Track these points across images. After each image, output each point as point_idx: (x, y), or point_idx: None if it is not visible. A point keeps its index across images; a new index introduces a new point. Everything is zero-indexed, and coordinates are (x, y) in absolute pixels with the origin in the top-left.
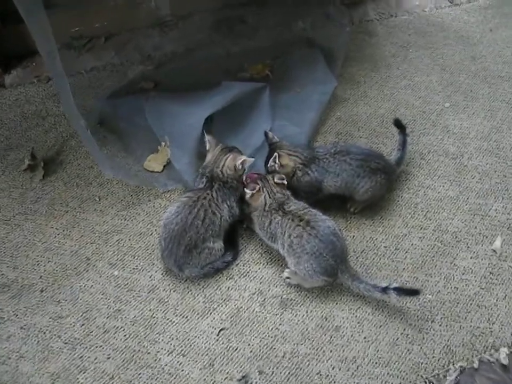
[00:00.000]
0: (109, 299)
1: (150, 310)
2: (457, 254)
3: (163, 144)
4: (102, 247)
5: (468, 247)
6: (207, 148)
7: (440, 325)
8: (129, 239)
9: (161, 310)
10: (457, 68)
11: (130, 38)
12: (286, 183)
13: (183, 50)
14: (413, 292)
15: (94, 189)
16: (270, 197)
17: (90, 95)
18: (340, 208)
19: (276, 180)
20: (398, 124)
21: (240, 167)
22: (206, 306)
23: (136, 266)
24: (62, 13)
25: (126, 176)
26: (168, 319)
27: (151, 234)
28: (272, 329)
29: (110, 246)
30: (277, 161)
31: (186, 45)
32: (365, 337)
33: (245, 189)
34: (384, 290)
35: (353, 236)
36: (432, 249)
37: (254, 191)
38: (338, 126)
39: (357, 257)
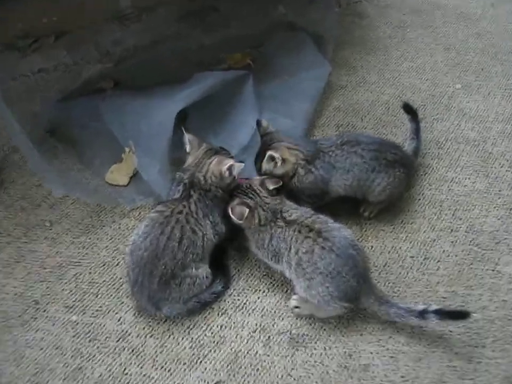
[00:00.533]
0: (65, 354)
1: (121, 364)
2: (498, 259)
3: (127, 151)
4: (54, 286)
5: (510, 248)
6: (188, 150)
7: (493, 351)
8: (90, 273)
9: (135, 363)
10: (462, 46)
11: (85, 34)
12: (280, 183)
13: (147, 43)
14: (461, 315)
15: (44, 212)
16: (263, 210)
17: (37, 100)
18: (351, 213)
19: (270, 187)
20: (408, 109)
21: (226, 173)
22: (194, 354)
23: (100, 307)
24: (3, 8)
25: (83, 193)
26: (145, 374)
27: (117, 264)
28: (282, 376)
29: (66, 283)
30: (277, 156)
31: (151, 38)
32: (402, 376)
33: (231, 214)
34: (422, 314)
35: (372, 247)
36: (468, 255)
37: (243, 219)
38: (337, 117)
39: (379, 273)
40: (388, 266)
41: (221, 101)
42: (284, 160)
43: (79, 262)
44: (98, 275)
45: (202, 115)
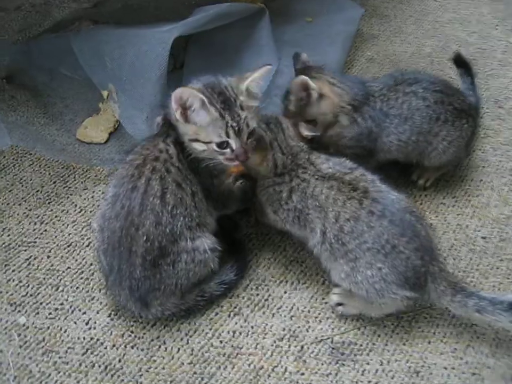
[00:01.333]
0: (6, 374)
1: None
2: None
3: (105, 95)
4: None
5: None
6: None
7: None
8: (49, 257)
9: None
10: None
11: None
12: (318, 133)
13: None
14: None
15: None
16: (283, 154)
17: None
18: (400, 181)
19: (305, 132)
20: (460, 62)
21: (177, 114)
22: (195, 372)
23: (61, 304)
24: None
25: (48, 151)
26: None
27: (88, 245)
28: None
29: (13, 271)
30: (313, 85)
31: None
32: None
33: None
34: None
35: (432, 224)
36: None
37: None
38: (372, 69)
39: (444, 258)
40: (455, 249)
41: (230, 40)
42: (321, 96)
43: (34, 242)
44: (60, 260)
45: (205, 55)
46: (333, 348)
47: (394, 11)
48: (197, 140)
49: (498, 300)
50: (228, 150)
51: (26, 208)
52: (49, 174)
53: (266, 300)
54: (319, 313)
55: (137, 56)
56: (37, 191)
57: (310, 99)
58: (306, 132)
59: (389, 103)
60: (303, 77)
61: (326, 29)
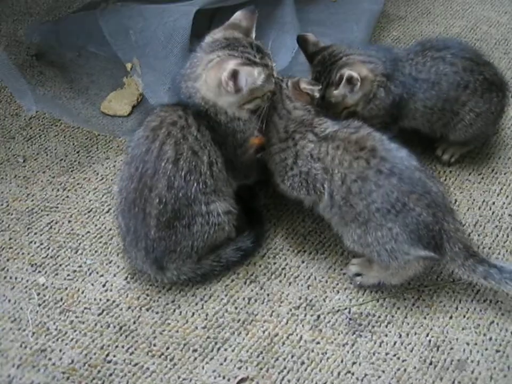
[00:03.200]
0: (24, 330)
1: (103, 347)
2: None
3: (129, 67)
4: (20, 237)
5: None
6: None
7: None
8: (70, 221)
9: (123, 346)
10: None
11: None
12: (319, 86)
13: None
14: None
15: (18, 146)
16: (280, 118)
17: (25, 23)
18: (424, 157)
19: (303, 86)
20: None
21: (229, 85)
22: (209, 337)
23: (80, 267)
24: None
25: (71, 120)
26: (136, 364)
27: (107, 211)
28: (339, 374)
29: (35, 234)
30: (355, 75)
31: None
32: None
33: None
34: None
35: (456, 200)
36: None
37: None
38: None
39: (469, 234)
40: (480, 225)
41: None
42: (362, 80)
43: (56, 208)
44: (80, 225)
45: None
46: (350, 319)
47: None
48: (251, 101)
49: (508, 269)
50: None
51: (50, 175)
52: (73, 144)
53: (283, 268)
54: (337, 284)
55: (161, 28)
56: (61, 160)
57: (354, 89)
58: (306, 86)
59: (418, 67)
60: (349, 73)
61: (351, 8)
